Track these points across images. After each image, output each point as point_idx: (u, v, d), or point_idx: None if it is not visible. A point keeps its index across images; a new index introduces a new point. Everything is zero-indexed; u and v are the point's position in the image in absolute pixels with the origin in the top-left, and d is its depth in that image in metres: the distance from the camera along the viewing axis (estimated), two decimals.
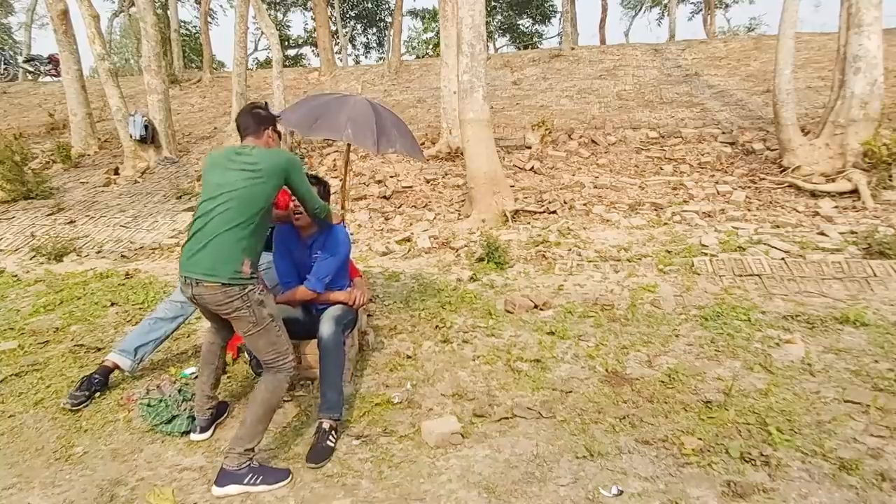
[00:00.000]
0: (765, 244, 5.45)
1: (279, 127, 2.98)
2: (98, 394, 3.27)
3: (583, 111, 10.72)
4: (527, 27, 28.73)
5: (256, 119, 2.81)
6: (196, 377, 3.10)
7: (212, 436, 2.90)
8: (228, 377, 3.49)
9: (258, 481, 2.49)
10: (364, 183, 8.62)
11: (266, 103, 2.98)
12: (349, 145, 4.25)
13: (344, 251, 3.21)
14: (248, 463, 2.51)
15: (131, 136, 9.88)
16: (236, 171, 2.58)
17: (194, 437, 2.88)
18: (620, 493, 2.38)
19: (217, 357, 2.90)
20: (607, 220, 6.55)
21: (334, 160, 9.71)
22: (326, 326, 2.97)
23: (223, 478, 2.49)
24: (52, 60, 18.02)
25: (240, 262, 2.50)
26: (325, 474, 2.59)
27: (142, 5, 9.95)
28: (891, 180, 6.52)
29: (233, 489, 2.47)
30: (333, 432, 2.80)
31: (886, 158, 6.58)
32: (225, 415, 3.06)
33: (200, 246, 2.50)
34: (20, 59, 20.91)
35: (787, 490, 2.36)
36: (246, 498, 2.45)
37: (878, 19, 6.90)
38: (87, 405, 3.20)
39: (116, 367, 3.38)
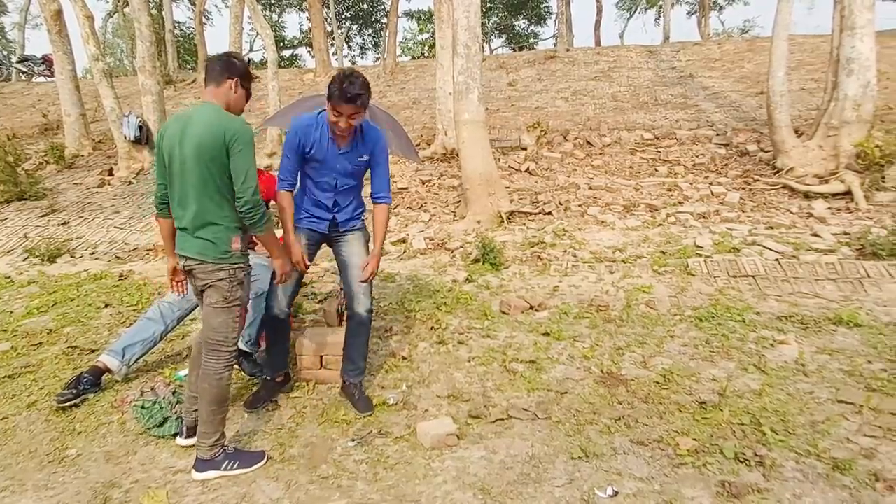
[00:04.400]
0: (759, 245, 5.47)
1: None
2: (90, 394, 3.25)
3: (578, 112, 10.74)
4: (522, 28, 28.77)
5: (222, 66, 2.51)
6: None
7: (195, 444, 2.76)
8: None
9: (235, 466, 2.59)
10: None
11: (249, 59, 2.73)
12: None
13: (388, 155, 3.16)
14: (221, 451, 2.59)
15: (125, 137, 9.83)
16: (186, 143, 2.40)
17: (180, 441, 2.79)
18: (615, 493, 2.39)
19: (200, 360, 2.74)
20: (602, 222, 6.56)
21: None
22: (367, 301, 3.08)
23: (200, 465, 2.59)
24: (46, 61, 17.94)
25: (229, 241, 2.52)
26: (320, 476, 2.59)
27: (136, 6, 9.91)
28: (884, 182, 6.56)
29: (211, 474, 2.58)
30: (362, 387, 3.19)
31: (879, 160, 6.62)
32: None
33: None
34: (14, 59, 20.81)
35: (781, 490, 2.37)
36: (241, 499, 2.45)
37: (871, 22, 6.94)
38: (75, 404, 3.17)
39: (107, 368, 3.35)
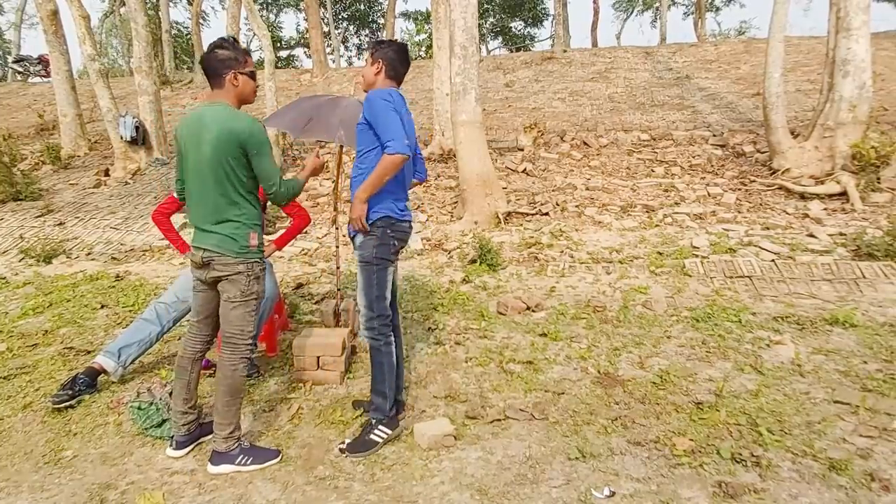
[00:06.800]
0: (755, 246, 5.49)
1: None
2: (86, 395, 3.24)
3: (575, 113, 10.76)
4: (519, 30, 28.82)
5: (217, 63, 2.46)
6: None
7: (187, 453, 2.74)
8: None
9: (249, 462, 2.62)
10: None
11: (233, 38, 2.55)
12: (341, 147, 4.24)
13: (376, 110, 2.59)
14: (237, 444, 2.62)
15: (122, 138, 9.82)
16: (201, 143, 2.43)
17: (169, 452, 2.74)
18: (612, 494, 2.39)
19: (188, 370, 2.69)
20: (599, 222, 6.57)
21: (326, 162, 9.69)
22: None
23: (216, 458, 2.61)
24: (42, 61, 17.88)
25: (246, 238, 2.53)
26: (317, 477, 2.58)
27: (133, 6, 9.89)
28: (879, 182, 6.59)
29: (226, 468, 2.60)
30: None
31: (874, 161, 6.66)
32: (209, 437, 2.77)
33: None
34: (10, 59, 20.75)
35: (777, 490, 2.37)
36: (238, 500, 2.44)
37: (866, 23, 6.98)
38: (71, 405, 3.15)
39: (103, 369, 3.34)
